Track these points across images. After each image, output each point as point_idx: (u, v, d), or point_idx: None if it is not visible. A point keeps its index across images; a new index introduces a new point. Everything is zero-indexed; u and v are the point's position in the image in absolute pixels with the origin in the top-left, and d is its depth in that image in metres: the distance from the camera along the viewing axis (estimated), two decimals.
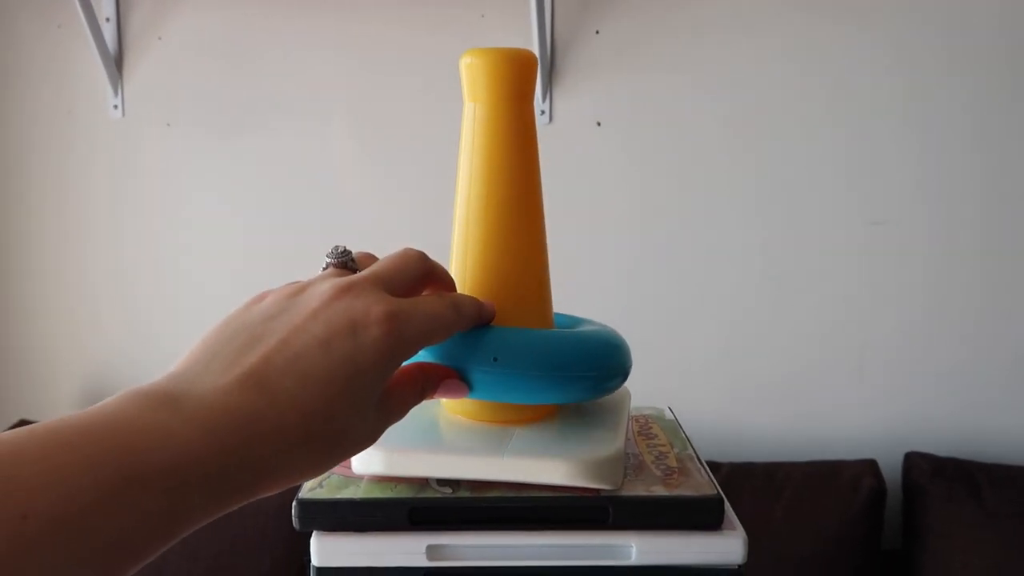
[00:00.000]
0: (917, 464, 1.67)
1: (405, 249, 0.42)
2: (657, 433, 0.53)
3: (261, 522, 1.69)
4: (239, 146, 1.87)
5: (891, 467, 1.70)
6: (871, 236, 1.71)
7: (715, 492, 0.45)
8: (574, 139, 1.73)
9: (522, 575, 0.44)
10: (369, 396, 0.36)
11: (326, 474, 0.47)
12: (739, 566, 0.44)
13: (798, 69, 1.69)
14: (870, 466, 1.65)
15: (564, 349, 0.45)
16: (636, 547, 0.43)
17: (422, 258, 0.42)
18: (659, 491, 0.45)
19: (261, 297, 0.39)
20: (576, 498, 0.44)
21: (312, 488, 0.45)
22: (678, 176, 1.73)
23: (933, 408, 1.75)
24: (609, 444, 0.44)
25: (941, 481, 1.63)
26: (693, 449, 0.51)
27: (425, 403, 0.44)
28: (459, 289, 0.48)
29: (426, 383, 0.42)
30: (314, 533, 0.45)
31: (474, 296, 0.45)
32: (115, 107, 1.89)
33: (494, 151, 0.47)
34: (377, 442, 0.46)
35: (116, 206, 1.94)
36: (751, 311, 1.75)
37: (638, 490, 0.45)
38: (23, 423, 1.88)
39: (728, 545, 0.43)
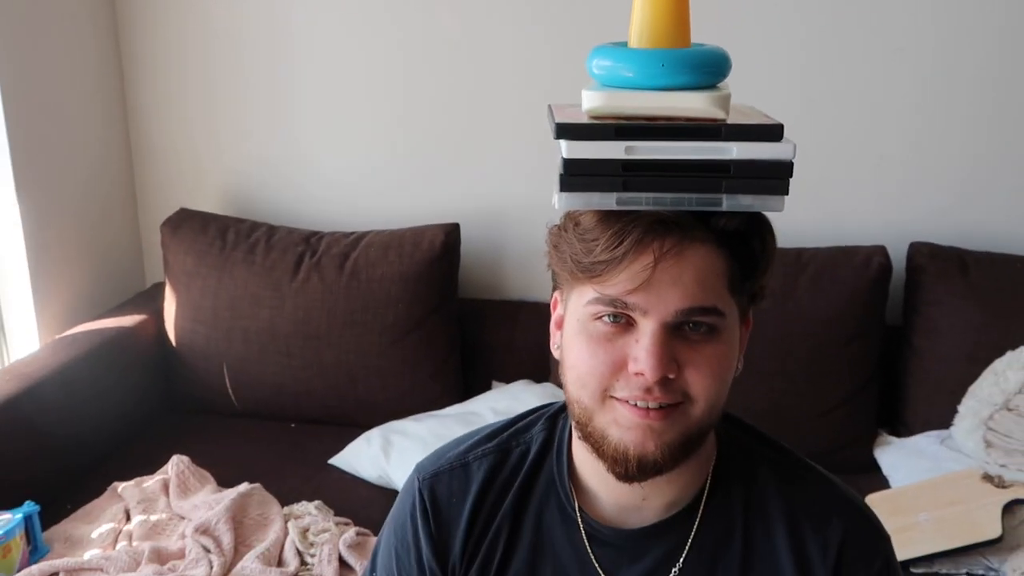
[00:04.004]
0: (919, 250, 2.05)
1: None
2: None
3: (387, 286, 2.11)
4: None
5: (900, 257, 2.07)
6: (895, 60, 2.06)
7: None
8: None
9: (673, 167, 0.82)
10: None
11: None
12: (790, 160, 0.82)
13: None
14: (880, 250, 2.03)
15: (699, 57, 0.83)
16: (736, 149, 0.82)
17: None
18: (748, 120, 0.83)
19: None
20: (704, 125, 0.82)
21: (563, 119, 0.84)
22: None
23: (938, 208, 2.12)
24: (725, 90, 0.83)
25: (937, 262, 2.02)
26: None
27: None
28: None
29: None
30: (563, 140, 0.83)
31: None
32: None
33: None
34: (600, 88, 0.84)
35: (273, 13, 2.27)
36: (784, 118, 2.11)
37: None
38: (183, 211, 2.29)
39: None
